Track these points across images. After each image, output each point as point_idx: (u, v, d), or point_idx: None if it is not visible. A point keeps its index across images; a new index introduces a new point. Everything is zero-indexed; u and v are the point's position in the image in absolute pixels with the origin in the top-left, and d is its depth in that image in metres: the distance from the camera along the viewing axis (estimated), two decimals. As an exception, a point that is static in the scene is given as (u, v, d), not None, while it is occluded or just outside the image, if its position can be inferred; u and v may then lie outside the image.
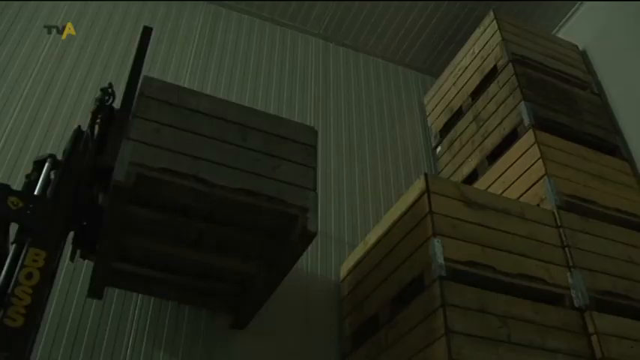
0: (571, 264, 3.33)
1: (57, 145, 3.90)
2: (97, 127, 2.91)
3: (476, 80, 4.82)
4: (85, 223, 2.84)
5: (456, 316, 2.79)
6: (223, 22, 5.21)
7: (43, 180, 2.61)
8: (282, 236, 2.92)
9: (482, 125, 4.51)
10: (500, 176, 4.09)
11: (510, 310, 2.95)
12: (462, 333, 2.74)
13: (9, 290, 2.14)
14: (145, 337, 3.36)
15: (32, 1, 4.56)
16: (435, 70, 5.82)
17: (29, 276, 2.18)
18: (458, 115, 4.94)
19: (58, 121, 4.03)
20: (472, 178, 4.45)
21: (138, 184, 2.58)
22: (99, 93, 3.02)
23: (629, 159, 4.39)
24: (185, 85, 4.50)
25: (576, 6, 5.47)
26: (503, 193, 3.96)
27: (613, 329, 3.12)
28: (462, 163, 4.64)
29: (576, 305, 3.18)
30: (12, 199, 2.35)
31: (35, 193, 2.55)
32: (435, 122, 5.24)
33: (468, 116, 4.75)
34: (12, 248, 2.32)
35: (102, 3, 4.82)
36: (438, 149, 5.08)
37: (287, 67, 5.17)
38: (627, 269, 3.51)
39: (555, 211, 3.57)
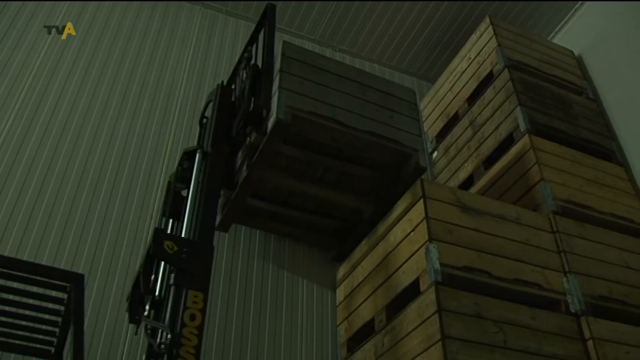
0: (567, 269, 3.34)
1: (55, 144, 3.90)
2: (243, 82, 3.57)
3: (472, 86, 4.83)
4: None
5: (452, 322, 2.78)
6: (220, 26, 5.21)
7: (196, 171, 3.00)
8: (394, 172, 3.59)
9: (479, 130, 4.52)
10: (496, 181, 4.10)
11: (506, 316, 2.95)
12: (458, 338, 2.74)
13: (177, 331, 2.25)
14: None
15: (32, 1, 4.55)
16: (431, 76, 5.84)
17: (192, 317, 2.31)
18: (454, 120, 4.94)
19: (55, 121, 4.02)
20: (468, 183, 4.46)
21: (292, 123, 3.18)
22: (245, 54, 3.71)
23: (624, 164, 4.41)
24: (182, 89, 4.51)
25: (572, 11, 5.49)
26: (499, 198, 3.96)
27: (609, 334, 3.12)
28: (458, 169, 4.65)
29: (572, 310, 3.18)
30: (167, 242, 2.47)
31: (191, 183, 2.94)
32: (431, 127, 5.25)
33: (464, 121, 4.75)
34: (172, 290, 2.42)
35: (101, 3, 4.82)
36: (434, 154, 5.08)
37: (284, 71, 5.17)
38: (623, 274, 3.51)
39: (551, 216, 3.58)
